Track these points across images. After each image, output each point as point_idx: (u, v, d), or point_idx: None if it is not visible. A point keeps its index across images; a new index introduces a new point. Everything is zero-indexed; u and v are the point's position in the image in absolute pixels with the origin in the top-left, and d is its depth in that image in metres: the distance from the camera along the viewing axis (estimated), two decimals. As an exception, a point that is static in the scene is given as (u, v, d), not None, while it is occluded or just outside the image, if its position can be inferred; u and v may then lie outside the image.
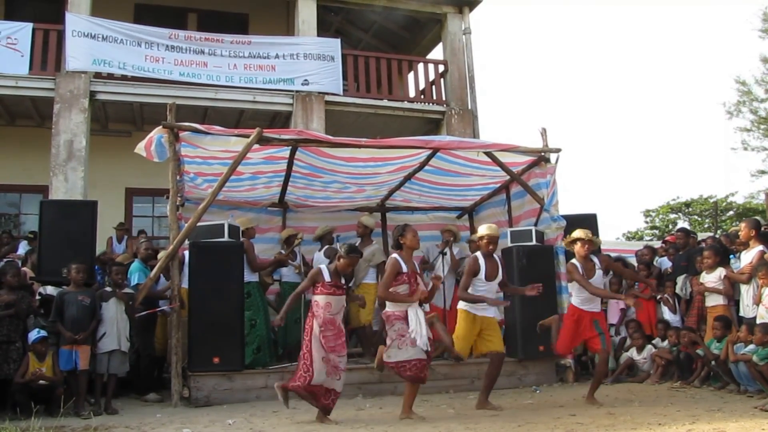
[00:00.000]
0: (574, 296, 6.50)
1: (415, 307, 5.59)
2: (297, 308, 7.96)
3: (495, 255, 6.33)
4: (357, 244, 6.96)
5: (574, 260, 6.47)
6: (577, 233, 6.48)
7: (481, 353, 6.29)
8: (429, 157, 8.16)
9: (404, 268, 5.66)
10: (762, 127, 20.35)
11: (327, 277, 5.63)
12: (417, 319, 5.54)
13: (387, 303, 5.74)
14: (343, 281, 5.77)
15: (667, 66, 53.65)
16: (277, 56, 11.60)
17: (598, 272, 6.46)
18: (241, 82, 11.33)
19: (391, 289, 5.64)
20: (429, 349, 5.60)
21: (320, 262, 7.89)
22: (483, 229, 6.37)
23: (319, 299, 5.63)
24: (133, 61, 10.83)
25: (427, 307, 5.83)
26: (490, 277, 6.19)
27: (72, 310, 6.55)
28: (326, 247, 8.62)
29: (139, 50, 10.90)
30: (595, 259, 6.51)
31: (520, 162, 8.46)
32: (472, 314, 6.13)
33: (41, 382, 6.28)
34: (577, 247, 6.43)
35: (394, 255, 5.79)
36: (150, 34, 11.06)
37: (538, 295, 6.24)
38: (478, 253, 6.30)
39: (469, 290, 6.16)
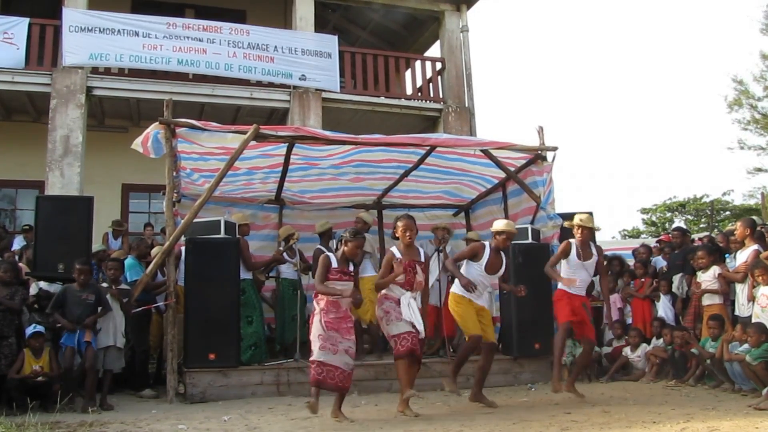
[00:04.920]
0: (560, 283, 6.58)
1: (408, 296, 5.75)
2: (293, 305, 7.97)
3: (502, 253, 6.33)
4: None
5: (573, 240, 6.54)
6: (575, 219, 6.61)
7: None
8: (426, 155, 8.15)
9: (397, 256, 5.82)
10: (759, 124, 20.38)
11: (334, 263, 5.75)
12: (409, 309, 5.69)
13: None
14: (351, 267, 5.86)
15: (664, 63, 53.74)
16: (275, 49, 11.59)
17: (594, 257, 6.56)
18: (240, 71, 11.32)
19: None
20: (423, 335, 5.74)
21: None
22: (501, 225, 6.31)
23: (326, 284, 5.73)
24: (130, 52, 10.78)
25: (418, 300, 5.88)
26: (490, 270, 6.22)
27: (76, 309, 6.53)
28: (316, 248, 8.47)
29: (136, 39, 10.86)
30: (593, 247, 6.58)
31: (516, 158, 8.46)
32: (466, 298, 6.15)
33: (39, 378, 6.27)
34: (575, 231, 6.55)
35: (392, 247, 5.97)
36: (148, 24, 11.02)
37: (524, 294, 6.41)
38: (487, 243, 6.31)
39: (462, 270, 6.21)
